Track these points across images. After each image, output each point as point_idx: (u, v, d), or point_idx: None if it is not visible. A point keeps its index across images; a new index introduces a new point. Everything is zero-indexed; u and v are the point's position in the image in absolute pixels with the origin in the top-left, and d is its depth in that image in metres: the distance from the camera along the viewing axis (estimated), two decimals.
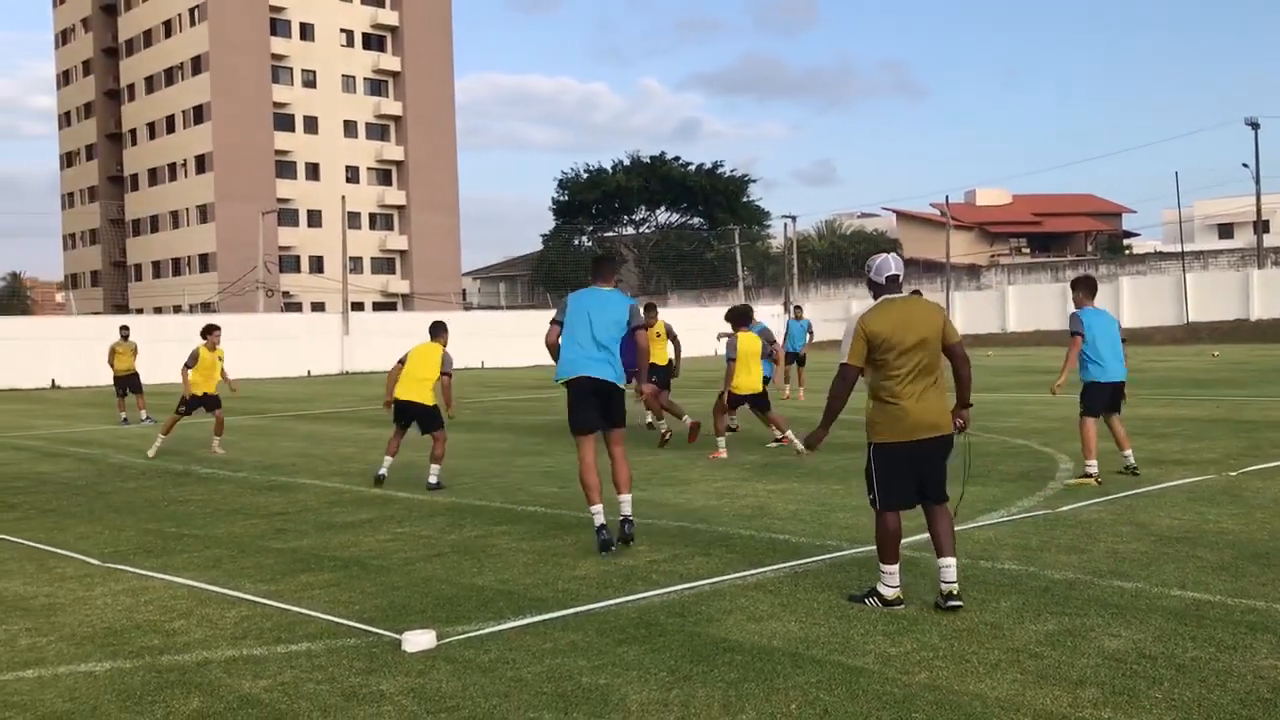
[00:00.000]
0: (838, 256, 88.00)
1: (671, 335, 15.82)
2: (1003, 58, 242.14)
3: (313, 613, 6.26)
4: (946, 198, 71.93)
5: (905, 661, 5.04)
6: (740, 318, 13.11)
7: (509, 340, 50.87)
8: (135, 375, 22.78)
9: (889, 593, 5.98)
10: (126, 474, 13.56)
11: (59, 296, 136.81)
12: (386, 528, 9.00)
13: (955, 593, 5.85)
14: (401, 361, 11.39)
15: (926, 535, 7.89)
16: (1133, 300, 55.41)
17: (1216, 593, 6.08)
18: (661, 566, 7.18)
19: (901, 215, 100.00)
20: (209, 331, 15.83)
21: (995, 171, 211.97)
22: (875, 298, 6.14)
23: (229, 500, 10.89)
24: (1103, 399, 10.27)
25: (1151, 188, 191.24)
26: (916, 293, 7.05)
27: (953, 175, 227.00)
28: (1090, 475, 10.05)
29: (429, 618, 6.03)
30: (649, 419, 16.67)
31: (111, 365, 23.00)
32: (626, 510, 7.78)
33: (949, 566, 5.90)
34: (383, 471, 11.48)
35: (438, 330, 11.62)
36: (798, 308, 25.73)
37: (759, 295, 75.86)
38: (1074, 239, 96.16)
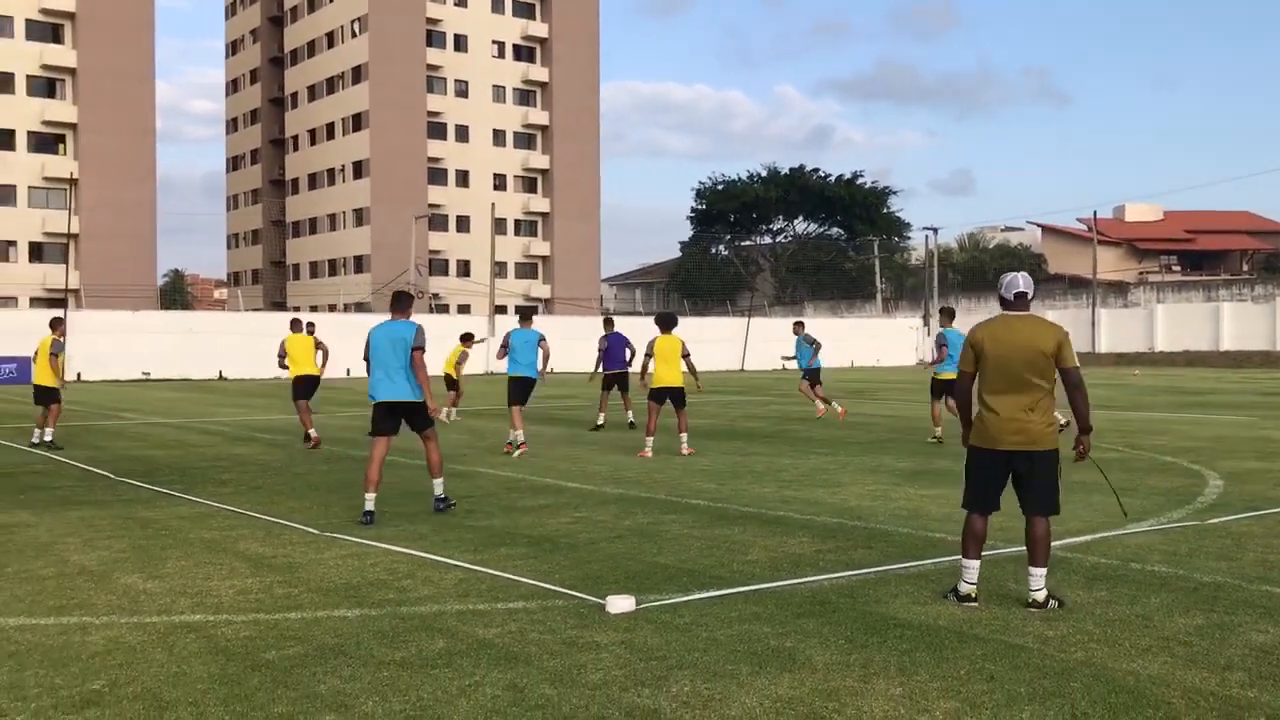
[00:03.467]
0: (979, 270, 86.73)
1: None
2: (1152, 63, 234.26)
3: (520, 578, 7.08)
4: (1095, 213, 70.41)
5: (1062, 643, 5.57)
6: (666, 322, 15.57)
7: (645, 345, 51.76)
8: None
9: (964, 588, 6.35)
10: (314, 458, 14.76)
11: (216, 293, 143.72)
12: (565, 512, 9.83)
13: (1040, 600, 6.15)
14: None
15: (1086, 537, 8.37)
16: None
17: None
18: (827, 556, 7.81)
19: (1046, 230, 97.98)
20: (295, 325, 17.41)
21: (1144, 185, 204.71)
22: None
23: (417, 484, 11.83)
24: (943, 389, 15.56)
25: None
26: None
27: (1099, 188, 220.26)
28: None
29: (622, 588, 6.75)
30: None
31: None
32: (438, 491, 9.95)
33: (1036, 575, 6.20)
34: None
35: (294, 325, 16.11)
36: (798, 323, 22.67)
37: (897, 307, 75.41)
38: (1229, 258, 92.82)
